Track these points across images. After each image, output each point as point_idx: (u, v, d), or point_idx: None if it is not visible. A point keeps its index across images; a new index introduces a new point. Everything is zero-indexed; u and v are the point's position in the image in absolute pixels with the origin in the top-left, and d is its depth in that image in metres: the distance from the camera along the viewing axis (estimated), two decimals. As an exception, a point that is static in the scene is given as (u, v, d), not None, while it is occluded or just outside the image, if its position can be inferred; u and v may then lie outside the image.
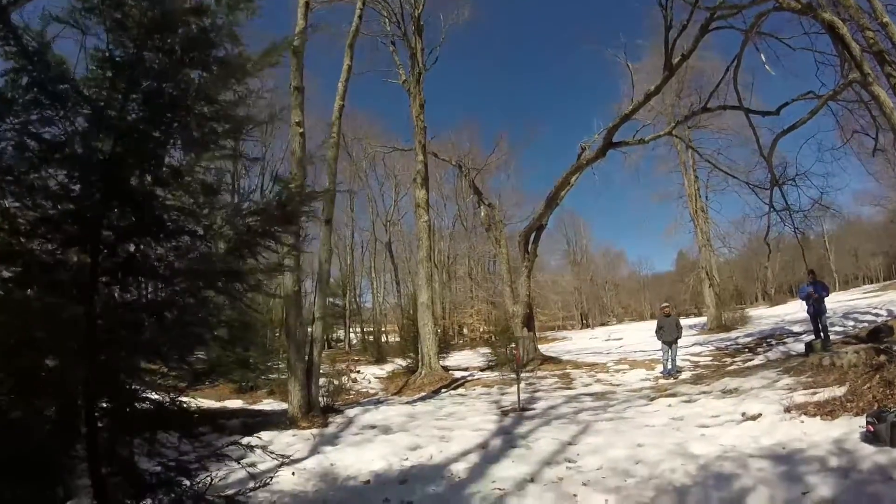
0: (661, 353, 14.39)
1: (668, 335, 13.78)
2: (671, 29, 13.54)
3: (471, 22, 27.18)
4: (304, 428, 9.12)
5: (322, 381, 11.63)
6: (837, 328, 16.69)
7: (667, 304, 15.31)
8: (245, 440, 4.39)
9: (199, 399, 12.82)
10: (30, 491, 2.85)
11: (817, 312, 12.71)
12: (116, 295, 3.44)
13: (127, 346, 3.34)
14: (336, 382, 15.64)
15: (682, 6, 13.12)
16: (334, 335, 39.47)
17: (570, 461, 6.36)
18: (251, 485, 4.02)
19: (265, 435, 8.45)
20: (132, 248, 3.47)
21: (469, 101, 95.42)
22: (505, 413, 9.75)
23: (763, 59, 14.82)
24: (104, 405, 3.24)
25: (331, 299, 36.23)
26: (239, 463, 3.85)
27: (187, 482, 3.31)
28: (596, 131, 17.90)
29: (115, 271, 3.37)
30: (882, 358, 8.24)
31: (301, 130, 10.59)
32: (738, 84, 15.51)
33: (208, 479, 3.43)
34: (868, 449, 5.14)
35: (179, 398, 3.59)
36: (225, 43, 3.46)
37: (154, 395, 3.50)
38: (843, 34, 11.23)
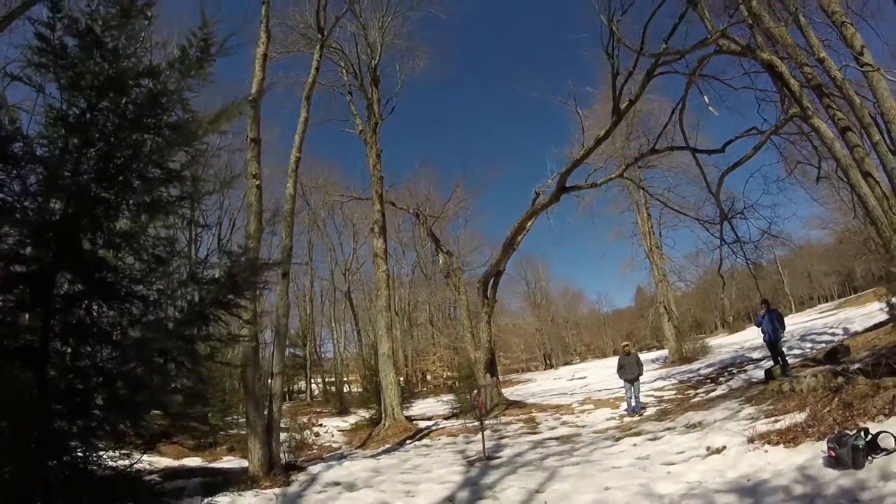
0: (623, 390, 14.47)
1: (630, 373, 13.90)
2: (618, 75, 14.05)
3: (427, 70, 27.75)
4: (265, 487, 8.79)
5: (283, 436, 11.31)
6: (795, 351, 17.12)
7: (626, 343, 15.51)
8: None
9: (157, 457, 12.40)
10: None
11: (774, 339, 13.00)
12: (68, 361, 3.34)
13: (78, 412, 3.22)
14: (298, 437, 15.22)
15: (628, 54, 13.66)
16: (295, 386, 38.65)
17: (538, 510, 6.29)
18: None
19: (226, 496, 8.13)
20: (83, 312, 3.38)
21: (426, 147, 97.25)
22: (471, 463, 9.60)
23: (706, 100, 15.43)
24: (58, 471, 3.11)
25: (291, 350, 35.62)
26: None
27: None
28: (549, 175, 18.31)
29: (67, 335, 3.28)
30: (840, 380, 8.42)
31: (258, 183, 10.52)
32: (684, 125, 16.11)
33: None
34: (832, 473, 5.23)
35: (133, 466, 3.47)
36: (176, 108, 3.46)
37: (109, 462, 3.38)
38: (782, 72, 11.85)
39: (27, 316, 3.26)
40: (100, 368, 3.37)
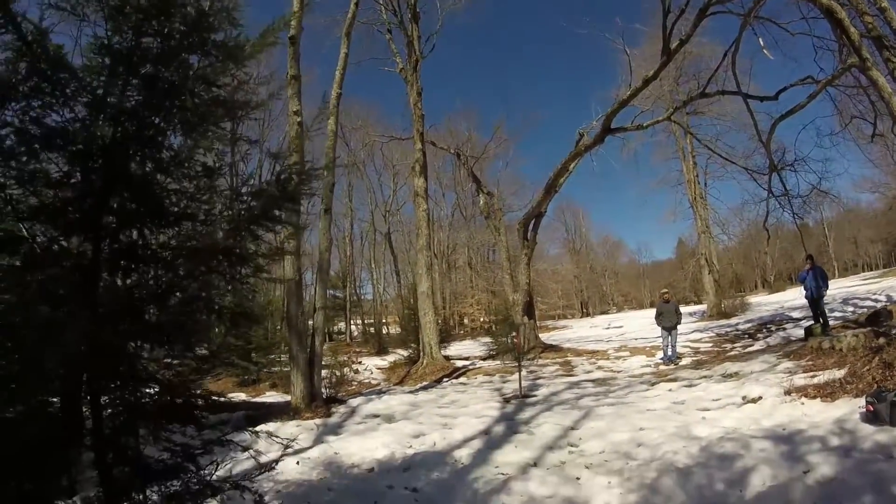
0: (660, 339, 14.43)
1: (668, 321, 13.80)
2: (669, 13, 13.50)
3: (468, 8, 27.02)
4: (307, 418, 9.14)
5: (324, 372, 11.66)
6: (837, 314, 16.72)
7: (666, 291, 15.32)
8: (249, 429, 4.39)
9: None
10: (36, 485, 2.86)
11: (816, 296, 12.71)
12: (119, 281, 3.44)
13: (130, 331, 3.34)
14: (338, 373, 15.67)
15: (681, -11, 13.07)
16: (335, 327, 39.51)
17: (572, 445, 6.40)
18: (256, 472, 4.04)
19: (269, 426, 8.48)
20: (134, 234, 3.46)
21: (467, 88, 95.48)
22: (507, 400, 9.77)
23: (761, 43, 14.76)
24: (109, 396, 3.25)
25: (331, 291, 36.26)
26: (245, 450, 3.87)
27: (193, 468, 3.33)
28: (594, 117, 17.92)
29: (118, 258, 3.36)
30: (881, 340, 8.22)
31: (299, 119, 10.56)
32: (737, 69, 15.48)
33: (214, 465, 3.44)
34: (868, 429, 5.15)
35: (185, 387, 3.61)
36: (223, 26, 3.44)
37: (158, 385, 3.51)
38: (842, 19, 11.18)
39: (78, 241, 3.33)
40: (150, 288, 3.46)
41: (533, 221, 19.73)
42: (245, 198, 3.56)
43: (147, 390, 3.40)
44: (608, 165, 63.48)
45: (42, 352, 2.89)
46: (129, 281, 3.48)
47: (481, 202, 23.56)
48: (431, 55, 21.40)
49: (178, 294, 3.44)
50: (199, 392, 3.64)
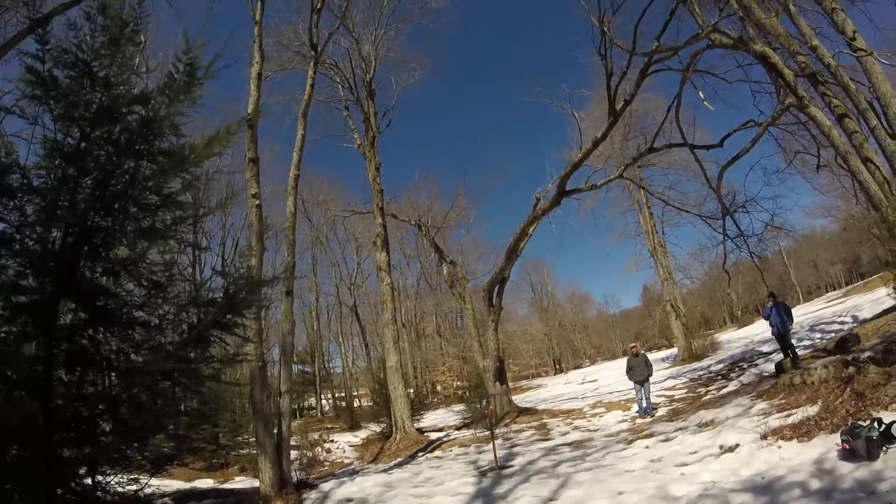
0: (634, 392, 14.37)
1: (639, 374, 13.81)
2: (612, 76, 14.03)
3: (423, 82, 27.86)
4: (277, 508, 8.75)
5: (294, 453, 11.28)
6: (805, 342, 17.01)
7: (634, 345, 15.37)
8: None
9: (168, 480, 12.33)
10: None
11: (782, 332, 12.91)
12: (73, 389, 3.31)
13: (85, 439, 3.20)
14: (309, 454, 15.18)
15: (621, 54, 13.64)
16: (305, 403, 38.54)
17: (551, 518, 6.22)
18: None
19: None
20: (86, 341, 3.36)
21: (426, 158, 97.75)
22: (483, 473, 9.52)
23: (702, 95, 15.43)
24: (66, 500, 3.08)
25: (300, 367, 35.55)
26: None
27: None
28: (549, 180, 18.30)
29: (71, 364, 3.27)
30: (851, 370, 8.32)
31: (258, 202, 10.53)
32: (681, 122, 16.11)
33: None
34: (847, 466, 5.17)
35: (141, 490, 3.44)
36: (168, 134, 3.45)
37: (118, 487, 3.35)
38: (776, 62, 11.83)
39: (31, 346, 3.24)
40: (104, 395, 3.35)
41: (497, 287, 19.81)
42: (200, 306, 3.50)
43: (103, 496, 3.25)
44: (567, 225, 64.68)
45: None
46: (82, 391, 3.36)
47: (444, 272, 23.59)
48: (388, 129, 21.85)
49: (130, 404, 3.31)
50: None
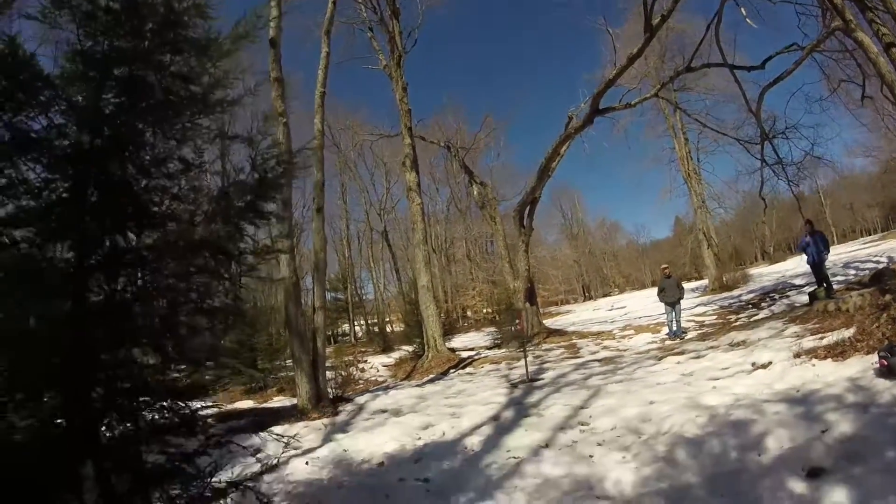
0: (664, 315, 14.36)
1: (670, 296, 13.74)
2: (649, -11, 13.35)
3: (447, 1, 26.88)
4: (314, 419, 9.06)
5: (330, 374, 11.57)
6: (839, 277, 16.67)
7: (666, 266, 15.25)
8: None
9: (208, 403, 12.86)
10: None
11: (818, 261, 12.61)
12: (105, 287, 3.34)
13: (121, 337, 3.25)
14: (344, 374, 15.60)
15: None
16: (339, 329, 39.46)
17: (583, 424, 6.32)
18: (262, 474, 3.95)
19: (276, 429, 8.41)
20: (119, 238, 3.38)
21: (453, 81, 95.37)
22: (514, 385, 9.69)
23: (744, 13, 14.62)
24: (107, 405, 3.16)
25: (332, 294, 36.23)
26: (254, 454, 3.80)
27: (192, 471, 3.23)
28: (582, 100, 17.78)
29: (103, 264, 3.28)
30: (887, 297, 8.11)
31: (284, 121, 10.43)
32: (721, 41, 15.38)
33: (212, 466, 3.33)
34: (884, 383, 5.07)
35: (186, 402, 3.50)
36: (195, 21, 3.34)
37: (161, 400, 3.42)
38: (823, -18, 11.06)
39: (64, 248, 3.26)
40: (138, 292, 3.38)
41: (528, 208, 19.62)
42: (230, 194, 3.46)
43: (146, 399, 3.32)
44: (600, 147, 63.27)
45: (38, 358, 2.82)
46: (115, 286, 3.39)
47: (475, 193, 23.42)
48: (414, 50, 21.25)
49: (165, 297, 3.34)
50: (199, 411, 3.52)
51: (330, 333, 34.11)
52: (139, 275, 3.36)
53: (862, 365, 5.83)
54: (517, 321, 13.87)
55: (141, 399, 3.28)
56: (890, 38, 10.09)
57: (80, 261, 3.11)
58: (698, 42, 16.76)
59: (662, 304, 14.16)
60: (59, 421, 2.99)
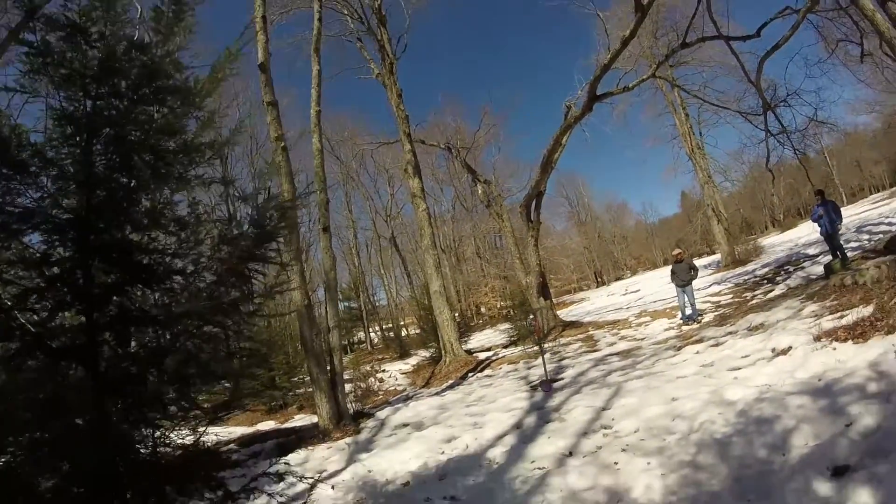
0: (676, 300, 14.25)
1: (681, 279, 13.59)
2: (636, -32, 13.22)
3: (433, 2, 26.81)
4: (337, 439, 9.08)
5: (348, 387, 11.60)
6: (853, 244, 16.51)
7: (678, 250, 15.09)
8: (280, 466, 4.28)
9: (232, 427, 12.93)
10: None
11: (831, 232, 12.47)
12: (118, 350, 3.35)
13: (134, 399, 3.25)
14: (363, 386, 15.67)
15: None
16: (355, 337, 39.62)
17: (606, 428, 6.27)
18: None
19: (300, 453, 8.44)
20: (125, 299, 3.38)
21: (448, 80, 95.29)
22: (534, 388, 9.66)
23: (734, -19, 14.49)
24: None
25: (346, 303, 36.39)
26: (279, 481, 3.83)
27: None
28: (579, 88, 17.64)
29: (113, 326, 3.28)
30: (904, 269, 8.04)
31: (282, 144, 10.45)
32: (714, 13, 15.20)
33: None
34: (907, 367, 4.98)
35: (199, 441, 3.52)
36: (171, 71, 3.33)
37: (178, 440, 3.43)
38: (814, -60, 10.92)
39: (71, 314, 3.28)
40: (151, 351, 3.38)
41: (534, 201, 19.51)
42: (231, 242, 3.45)
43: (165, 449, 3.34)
44: (601, 132, 63.06)
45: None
46: (127, 349, 3.40)
47: (480, 191, 23.34)
48: (405, 55, 21.27)
49: (176, 356, 3.34)
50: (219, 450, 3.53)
51: (346, 342, 34.23)
52: (148, 336, 3.37)
53: (883, 347, 5.71)
54: (532, 319, 13.81)
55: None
56: (886, -9, 9.95)
57: (90, 325, 3.11)
58: (691, 16, 16.44)
59: (675, 287, 14.03)
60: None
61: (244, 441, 10.62)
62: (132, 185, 3.36)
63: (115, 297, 3.33)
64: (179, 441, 3.44)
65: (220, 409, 3.74)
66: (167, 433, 3.37)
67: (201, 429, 3.60)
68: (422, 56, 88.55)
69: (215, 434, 5.67)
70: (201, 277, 3.48)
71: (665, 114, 31.82)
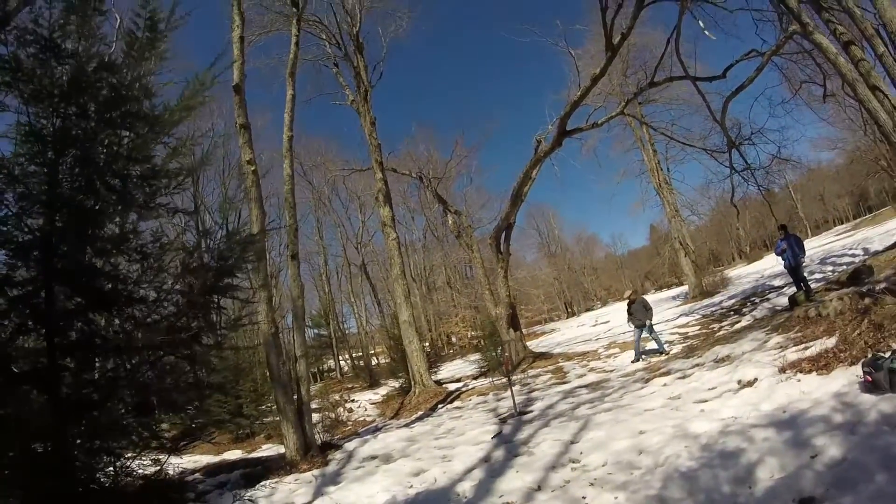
0: (632, 336, 14.37)
1: (638, 319, 13.74)
2: (608, 9, 13.59)
3: (411, 31, 27.19)
4: (304, 470, 8.91)
5: (317, 416, 11.41)
6: (817, 275, 16.91)
7: (629, 292, 15.33)
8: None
9: (198, 455, 12.60)
10: None
11: (794, 265, 12.79)
12: (79, 376, 3.27)
13: (95, 426, 3.17)
14: (332, 416, 15.42)
15: (616, -15, 13.19)
16: (324, 366, 39.05)
17: (574, 461, 6.26)
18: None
19: (266, 486, 8.24)
20: (86, 325, 3.30)
21: (421, 110, 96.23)
22: (503, 420, 9.60)
23: (702, 25, 15.02)
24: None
25: (315, 331, 35.87)
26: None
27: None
28: (549, 122, 17.99)
29: (74, 351, 3.21)
30: (867, 301, 8.18)
31: (253, 168, 10.39)
32: (681, 54, 15.65)
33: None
34: (870, 399, 5.08)
35: (162, 471, 3.43)
36: (140, 97, 3.31)
37: (140, 471, 3.34)
38: (777, -13, 11.37)
39: (32, 337, 3.20)
40: (110, 378, 3.31)
41: (504, 233, 19.68)
42: (193, 273, 3.41)
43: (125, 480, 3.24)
44: (570, 167, 64.11)
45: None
46: (87, 377, 3.32)
47: (450, 222, 23.48)
48: (381, 83, 21.39)
49: (135, 385, 3.27)
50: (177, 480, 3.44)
51: (315, 370, 33.75)
52: (109, 364, 3.29)
53: (847, 378, 5.85)
54: (502, 351, 13.81)
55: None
56: (848, 37, 10.36)
57: (51, 352, 3.03)
58: (659, 56, 17.00)
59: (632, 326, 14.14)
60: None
61: (210, 470, 10.35)
62: (97, 208, 3.31)
63: (77, 322, 3.26)
64: (141, 471, 3.35)
65: (185, 437, 3.65)
66: (129, 462, 3.28)
67: (163, 458, 3.51)
68: (396, 85, 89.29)
69: (180, 463, 5.52)
70: (163, 306, 3.43)
71: (634, 149, 32.62)
